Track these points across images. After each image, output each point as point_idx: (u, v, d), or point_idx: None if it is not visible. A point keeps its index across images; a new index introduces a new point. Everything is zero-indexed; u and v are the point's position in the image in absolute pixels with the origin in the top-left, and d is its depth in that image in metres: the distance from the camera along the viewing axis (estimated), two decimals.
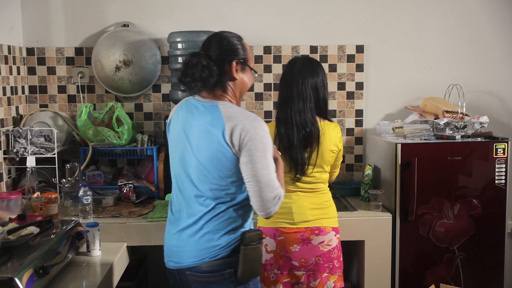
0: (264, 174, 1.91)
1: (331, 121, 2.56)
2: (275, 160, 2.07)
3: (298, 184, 2.49)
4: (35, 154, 2.94)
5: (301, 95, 2.45)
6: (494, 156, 2.94)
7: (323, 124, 2.49)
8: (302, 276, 2.46)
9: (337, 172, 2.70)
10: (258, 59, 3.42)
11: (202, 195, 1.99)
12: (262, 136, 1.92)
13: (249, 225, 2.08)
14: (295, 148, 2.43)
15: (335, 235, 2.51)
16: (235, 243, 2.00)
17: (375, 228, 2.87)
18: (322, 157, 2.49)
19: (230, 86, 2.06)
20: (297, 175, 2.46)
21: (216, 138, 1.93)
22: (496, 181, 2.95)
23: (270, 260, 2.48)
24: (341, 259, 2.55)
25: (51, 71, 3.37)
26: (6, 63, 3.03)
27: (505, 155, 2.94)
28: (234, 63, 2.03)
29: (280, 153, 2.19)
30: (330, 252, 2.48)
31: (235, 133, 1.91)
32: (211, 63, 2.00)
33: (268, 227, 2.49)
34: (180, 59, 3.13)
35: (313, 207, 2.49)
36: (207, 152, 1.96)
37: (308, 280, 2.46)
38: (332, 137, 2.50)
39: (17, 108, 3.17)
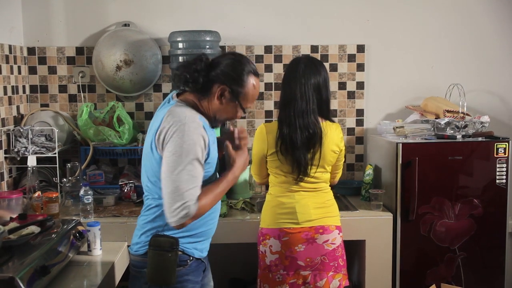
0: (173, 180, 1.84)
1: (333, 121, 2.56)
2: (230, 167, 2.05)
3: (301, 184, 2.49)
4: (36, 153, 2.94)
5: (304, 96, 2.43)
6: (495, 155, 2.94)
7: (324, 125, 2.48)
8: (308, 276, 2.46)
9: (339, 173, 2.70)
10: (259, 58, 3.42)
11: (143, 188, 2.11)
12: (184, 141, 1.85)
13: (175, 231, 2.00)
14: (298, 149, 2.43)
15: (339, 234, 2.52)
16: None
17: (376, 228, 2.87)
18: (324, 158, 2.49)
19: (208, 103, 2.02)
20: (300, 176, 2.46)
21: (152, 132, 1.96)
22: (497, 181, 2.95)
23: (276, 261, 2.48)
24: (345, 257, 2.55)
25: (52, 70, 3.37)
26: (7, 62, 3.03)
27: (506, 155, 2.94)
28: (221, 87, 1.98)
29: (239, 164, 2.09)
30: (335, 250, 2.48)
31: (164, 130, 1.89)
32: (207, 73, 1.98)
33: (272, 228, 2.49)
34: (181, 59, 3.13)
35: (317, 206, 2.49)
36: (146, 145, 2.01)
37: (315, 279, 2.46)
38: (333, 138, 2.50)
39: (18, 107, 3.17)
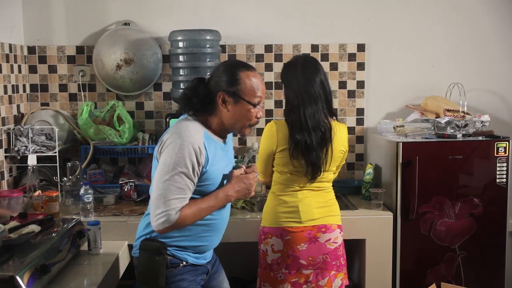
0: (159, 187, 1.91)
1: (339, 121, 2.56)
2: (226, 185, 2.06)
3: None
4: (36, 152, 2.94)
5: (311, 97, 2.40)
6: (495, 155, 2.94)
7: (333, 124, 2.47)
8: (310, 275, 2.46)
9: (337, 173, 2.70)
10: (259, 57, 3.42)
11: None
12: (176, 154, 1.91)
13: (167, 239, 2.05)
14: (314, 150, 2.40)
15: (340, 233, 2.52)
16: None
17: (376, 227, 2.87)
18: (334, 158, 2.48)
19: (219, 117, 2.05)
20: (314, 175, 2.45)
21: (158, 144, 2.02)
22: (497, 180, 2.95)
23: (277, 259, 2.47)
24: (345, 256, 2.55)
25: (52, 69, 3.37)
26: (8, 61, 3.03)
27: (506, 154, 2.94)
28: (219, 94, 2.01)
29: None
30: (336, 249, 2.48)
31: (163, 139, 1.98)
32: (207, 91, 2.03)
33: (274, 227, 2.48)
34: (181, 58, 3.13)
35: (319, 206, 2.49)
36: (154, 152, 2.06)
37: (317, 278, 2.46)
38: (341, 138, 2.50)
39: (18, 106, 3.17)
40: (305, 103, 2.40)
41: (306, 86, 2.41)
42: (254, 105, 2.03)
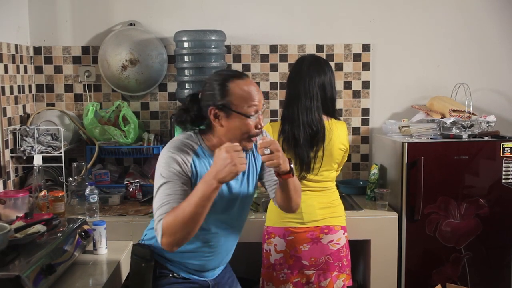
0: (154, 201, 1.82)
1: (339, 119, 2.56)
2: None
3: (306, 183, 2.48)
4: (42, 152, 2.95)
5: (308, 94, 2.44)
6: (501, 155, 2.92)
7: (330, 123, 2.48)
8: (312, 276, 2.46)
9: (338, 171, 2.70)
10: (264, 58, 3.42)
11: None
12: (159, 165, 1.84)
13: (155, 246, 2.01)
14: (301, 147, 2.43)
15: (344, 234, 2.52)
16: None
17: (381, 227, 2.87)
18: (331, 155, 2.48)
19: (216, 135, 1.89)
20: (302, 173, 2.46)
21: None
22: (503, 181, 2.93)
23: (280, 260, 2.48)
24: (349, 257, 2.55)
25: (58, 70, 3.38)
26: (14, 62, 3.05)
27: None
28: (210, 109, 1.84)
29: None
30: (339, 250, 2.48)
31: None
32: (198, 108, 1.90)
33: (277, 227, 2.49)
34: (186, 58, 3.13)
35: (322, 206, 2.49)
36: None
37: (319, 279, 2.46)
38: (340, 136, 2.50)
39: (24, 106, 3.19)
40: (301, 99, 2.44)
41: (305, 83, 2.45)
42: (249, 116, 1.82)
